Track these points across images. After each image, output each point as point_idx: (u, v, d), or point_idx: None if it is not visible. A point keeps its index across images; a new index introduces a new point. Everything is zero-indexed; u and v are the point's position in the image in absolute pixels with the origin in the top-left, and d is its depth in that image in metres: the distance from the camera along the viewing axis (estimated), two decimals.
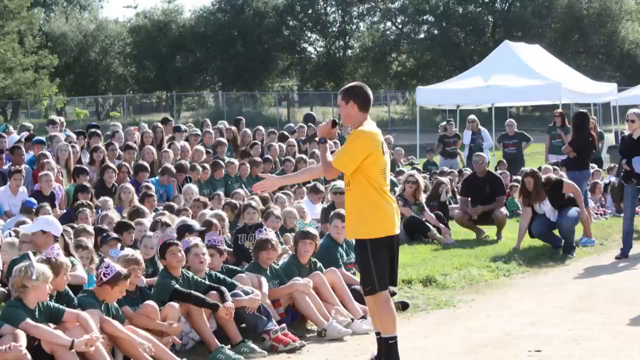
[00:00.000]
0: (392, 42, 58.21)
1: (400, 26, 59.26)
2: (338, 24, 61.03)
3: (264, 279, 8.81)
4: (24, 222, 9.49)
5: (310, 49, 63.39)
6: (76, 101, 56.30)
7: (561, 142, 18.99)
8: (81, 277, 8.06)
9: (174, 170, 14.20)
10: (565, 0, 53.54)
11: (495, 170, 18.37)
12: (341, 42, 61.55)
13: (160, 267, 8.52)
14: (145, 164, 14.29)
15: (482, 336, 8.48)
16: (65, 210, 12.05)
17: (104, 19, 65.60)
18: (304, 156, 16.92)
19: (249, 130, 18.52)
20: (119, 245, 9.03)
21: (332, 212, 10.32)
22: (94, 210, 11.29)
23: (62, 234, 8.34)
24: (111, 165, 13.76)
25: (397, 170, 18.38)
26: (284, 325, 8.43)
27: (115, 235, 9.37)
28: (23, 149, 14.04)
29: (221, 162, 15.55)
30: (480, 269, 11.70)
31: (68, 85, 57.96)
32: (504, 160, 20.25)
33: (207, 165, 15.10)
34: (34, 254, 7.49)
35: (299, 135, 19.22)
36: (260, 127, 19.22)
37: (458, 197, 16.02)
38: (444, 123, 23.16)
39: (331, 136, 7.69)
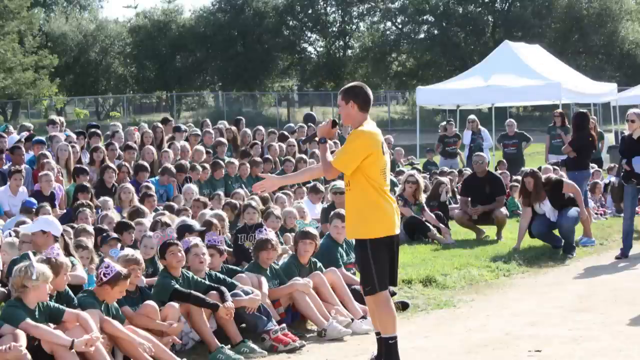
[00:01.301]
0: (392, 42, 58.21)
1: (400, 26, 59.25)
2: (338, 24, 61.04)
3: (264, 279, 8.80)
4: (24, 222, 9.48)
5: (310, 49, 63.56)
6: (76, 101, 56.30)
7: (561, 142, 18.98)
8: (81, 277, 8.06)
9: (174, 170, 14.19)
10: (565, 0, 53.55)
11: (495, 170, 18.35)
12: (341, 42, 61.57)
13: (160, 267, 8.52)
14: (145, 164, 14.28)
15: (482, 336, 8.48)
16: (65, 210, 12.05)
17: (104, 19, 65.68)
18: (304, 156, 16.91)
19: (249, 130, 18.52)
20: (119, 245, 9.03)
21: (332, 212, 10.32)
22: (94, 210, 11.29)
23: (62, 234, 8.34)
24: (111, 165, 13.75)
25: (397, 170, 18.38)
26: (284, 325, 8.42)
27: (115, 235, 9.37)
28: (23, 149, 14.04)
29: (221, 162, 15.54)
30: (480, 269, 11.69)
31: (68, 85, 57.96)
32: (504, 160, 20.23)
33: (207, 165, 15.09)
34: (34, 254, 7.49)
35: (299, 135, 19.21)
36: (260, 127, 19.21)
37: (458, 197, 16.01)
38: (444, 123, 23.15)
39: (331, 136, 7.69)
